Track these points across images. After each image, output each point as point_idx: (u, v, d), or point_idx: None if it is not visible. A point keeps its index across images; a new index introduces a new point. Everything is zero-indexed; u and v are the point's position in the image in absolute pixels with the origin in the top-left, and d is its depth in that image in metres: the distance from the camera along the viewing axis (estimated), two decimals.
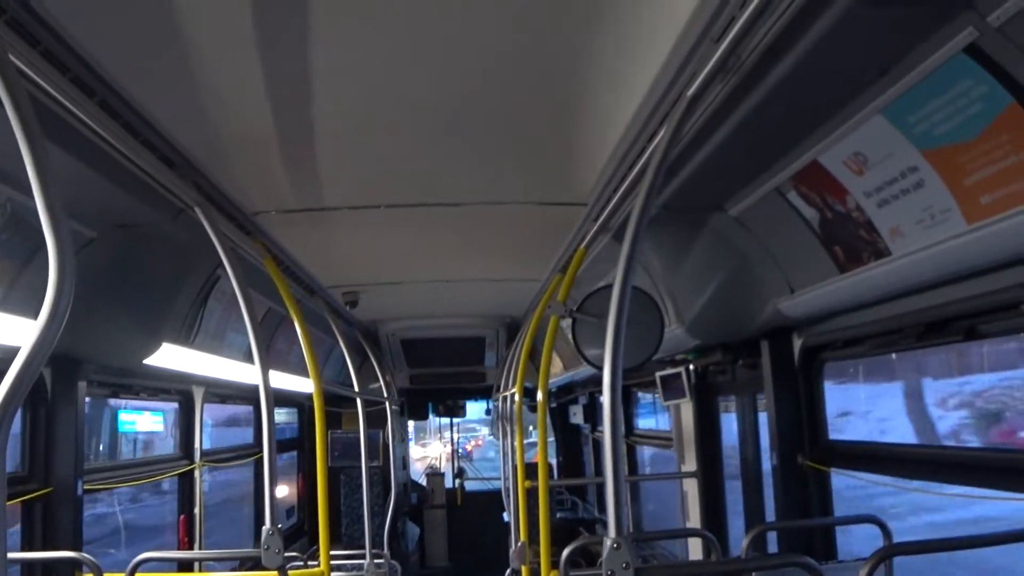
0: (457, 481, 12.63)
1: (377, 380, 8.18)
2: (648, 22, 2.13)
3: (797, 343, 4.17)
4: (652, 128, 2.65)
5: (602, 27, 2.19)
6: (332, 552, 6.47)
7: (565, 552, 3.17)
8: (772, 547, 4.46)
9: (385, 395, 8.20)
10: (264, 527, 3.21)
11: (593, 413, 10.64)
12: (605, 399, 2.04)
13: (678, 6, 2.00)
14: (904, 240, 2.70)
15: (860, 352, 3.83)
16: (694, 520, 5.71)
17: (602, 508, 10.38)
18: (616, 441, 2.02)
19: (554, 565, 3.96)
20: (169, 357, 4.39)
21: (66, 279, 1.52)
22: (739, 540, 4.04)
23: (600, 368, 2.18)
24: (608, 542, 1.94)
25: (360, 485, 6.79)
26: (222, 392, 6.75)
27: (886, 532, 3.53)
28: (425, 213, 4.05)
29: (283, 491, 9.47)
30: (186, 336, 4.48)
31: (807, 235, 3.13)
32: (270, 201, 3.71)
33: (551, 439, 11.96)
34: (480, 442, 26.37)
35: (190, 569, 5.48)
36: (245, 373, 5.54)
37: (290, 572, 3.75)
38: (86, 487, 4.32)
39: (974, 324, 2.99)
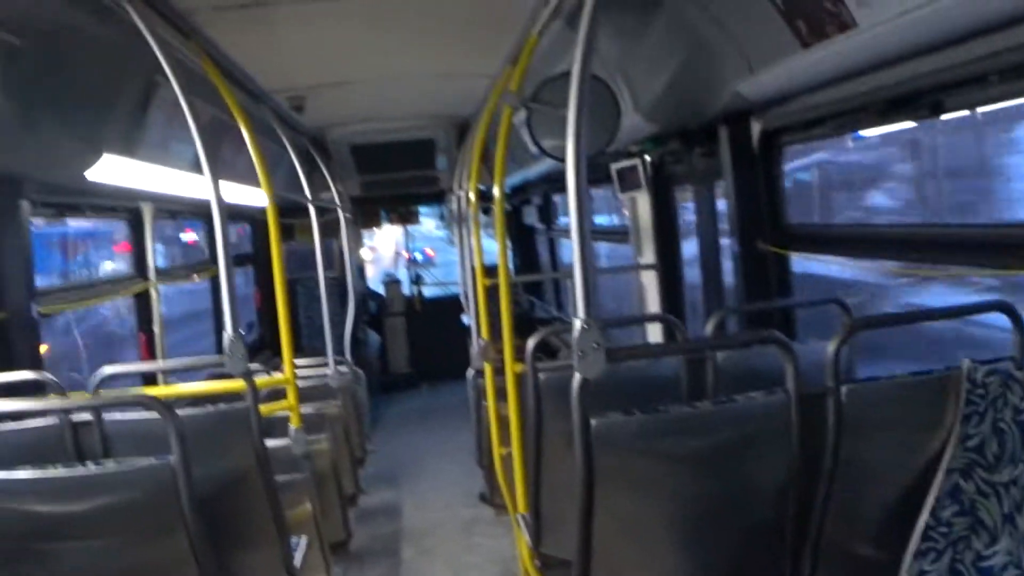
0: (415, 288, 12.79)
1: (328, 189, 8.05)
2: None
3: (756, 127, 4.07)
4: None
5: None
6: (295, 361, 6.57)
7: (530, 343, 3.16)
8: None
9: (338, 203, 8.10)
10: (225, 333, 3.14)
11: (548, 212, 10.63)
12: (570, 185, 1.99)
13: None
14: (870, 10, 2.55)
15: (820, 133, 3.74)
16: (654, 311, 5.79)
17: (559, 306, 10.60)
18: (583, 221, 1.99)
19: (517, 360, 4.00)
20: (112, 170, 4.21)
21: None
22: (698, 330, 4.07)
23: (558, 159, 2.11)
24: (578, 323, 1.96)
25: (317, 296, 6.83)
26: (172, 208, 6.60)
27: (849, 314, 3.53)
28: (367, 4, 3.85)
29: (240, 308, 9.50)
30: (128, 147, 4.28)
31: (767, 9, 2.96)
32: None
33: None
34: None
35: (154, 382, 5.50)
36: (193, 185, 5.37)
37: (256, 380, 3.76)
38: (41, 310, 4.23)
39: (940, 99, 2.90)
